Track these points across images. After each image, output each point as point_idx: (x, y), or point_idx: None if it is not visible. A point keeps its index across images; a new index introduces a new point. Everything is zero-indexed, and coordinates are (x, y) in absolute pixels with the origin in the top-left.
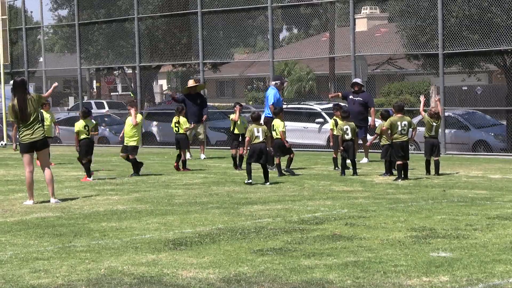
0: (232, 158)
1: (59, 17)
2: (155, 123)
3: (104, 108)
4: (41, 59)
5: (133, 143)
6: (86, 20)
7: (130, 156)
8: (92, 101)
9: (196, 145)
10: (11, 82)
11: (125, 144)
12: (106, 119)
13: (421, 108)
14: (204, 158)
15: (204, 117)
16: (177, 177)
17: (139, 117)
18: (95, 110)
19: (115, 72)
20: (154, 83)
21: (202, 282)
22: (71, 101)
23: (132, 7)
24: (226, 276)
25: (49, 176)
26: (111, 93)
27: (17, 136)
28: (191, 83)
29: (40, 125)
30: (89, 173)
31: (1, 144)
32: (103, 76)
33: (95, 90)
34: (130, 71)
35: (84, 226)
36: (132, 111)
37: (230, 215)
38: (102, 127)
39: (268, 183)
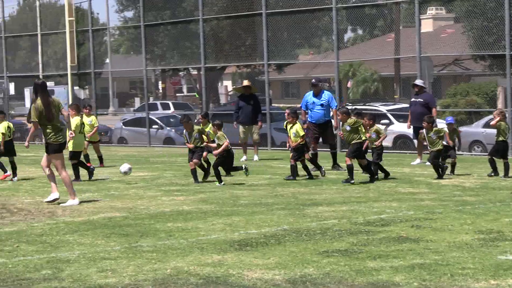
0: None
1: (125, 19)
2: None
3: (170, 109)
4: (107, 60)
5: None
6: (152, 22)
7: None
8: (158, 102)
9: (252, 146)
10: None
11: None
12: (171, 120)
13: (493, 122)
14: (257, 160)
15: (259, 124)
16: (242, 178)
17: None
18: (160, 111)
19: (180, 73)
20: (219, 84)
21: (268, 283)
22: (137, 102)
23: (197, 8)
24: (291, 277)
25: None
26: (177, 94)
27: (45, 137)
28: (245, 83)
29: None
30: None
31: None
32: (169, 77)
33: (160, 91)
34: (195, 72)
35: (150, 226)
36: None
37: (295, 216)
38: (167, 128)
39: None
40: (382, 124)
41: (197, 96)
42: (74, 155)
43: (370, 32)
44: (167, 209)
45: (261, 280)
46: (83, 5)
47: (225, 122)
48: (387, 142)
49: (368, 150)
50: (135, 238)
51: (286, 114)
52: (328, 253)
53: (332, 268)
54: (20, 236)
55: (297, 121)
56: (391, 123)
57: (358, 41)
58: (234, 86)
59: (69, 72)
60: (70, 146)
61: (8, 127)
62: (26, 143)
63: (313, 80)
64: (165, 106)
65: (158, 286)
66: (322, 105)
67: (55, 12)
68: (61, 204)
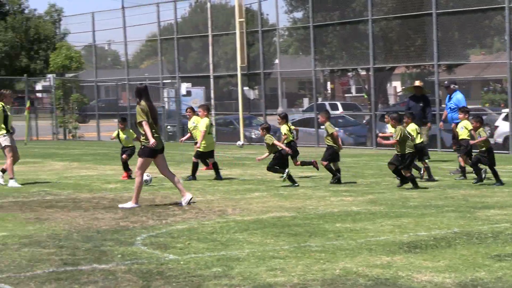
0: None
1: (294, 19)
2: None
3: (338, 109)
4: (277, 61)
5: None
6: (321, 22)
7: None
8: (326, 103)
9: None
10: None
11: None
12: (340, 120)
13: None
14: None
15: (428, 125)
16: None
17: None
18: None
19: (349, 73)
20: (388, 84)
21: (438, 286)
22: (306, 102)
23: (366, 8)
24: (462, 281)
25: (175, 179)
26: (345, 95)
27: (142, 140)
28: (416, 83)
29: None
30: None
31: (238, 145)
32: (337, 77)
33: (329, 91)
34: (364, 72)
35: (319, 226)
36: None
37: (466, 219)
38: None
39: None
40: None
41: (365, 96)
42: (203, 155)
43: None
44: (336, 210)
45: (431, 283)
46: (253, 6)
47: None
48: None
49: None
50: (304, 238)
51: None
52: (500, 257)
53: (504, 273)
54: (191, 233)
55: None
56: None
57: None
58: (404, 87)
59: (239, 72)
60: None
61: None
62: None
63: (446, 82)
64: (334, 107)
65: (327, 286)
66: (450, 108)
67: (226, 13)
68: (120, 206)
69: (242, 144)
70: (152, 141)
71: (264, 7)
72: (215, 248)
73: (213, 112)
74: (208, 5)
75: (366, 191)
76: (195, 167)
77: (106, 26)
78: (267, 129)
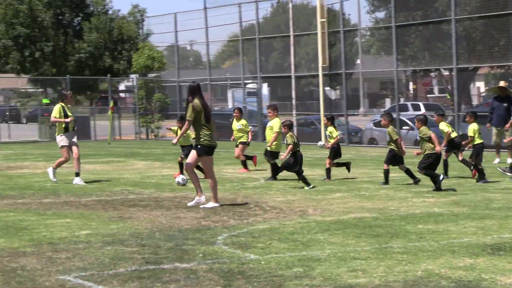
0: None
1: (376, 19)
2: None
3: (420, 109)
4: (358, 61)
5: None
6: (403, 22)
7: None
8: (409, 103)
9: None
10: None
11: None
12: None
13: None
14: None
15: (509, 123)
16: (498, 179)
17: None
18: (411, 112)
19: (431, 74)
20: (471, 85)
21: None
22: (388, 102)
23: (450, 8)
24: None
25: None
26: (427, 95)
27: (198, 138)
28: (501, 83)
29: None
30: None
31: (320, 145)
32: (420, 78)
33: (411, 91)
34: (446, 73)
35: (401, 227)
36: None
37: None
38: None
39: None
40: None
41: (448, 97)
42: (273, 154)
43: None
44: (418, 211)
45: None
46: (335, 6)
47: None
48: None
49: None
50: (386, 239)
51: None
52: None
53: None
54: (272, 233)
55: None
56: None
57: None
58: (487, 87)
59: (320, 73)
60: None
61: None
62: (175, 141)
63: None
64: (416, 107)
65: (409, 287)
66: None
67: (307, 13)
68: (201, 206)
69: (323, 144)
70: (175, 140)
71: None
72: (296, 248)
73: (294, 112)
74: (290, 5)
75: (449, 192)
76: (275, 168)
77: (188, 27)
78: (289, 126)
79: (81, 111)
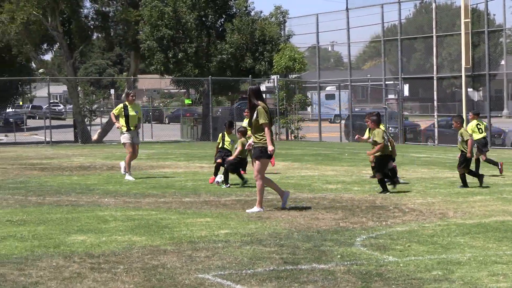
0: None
1: None
2: None
3: None
4: (503, 62)
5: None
6: None
7: None
8: None
9: None
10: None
11: None
12: None
13: None
14: None
15: None
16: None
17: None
18: None
19: None
20: None
21: None
22: None
23: None
24: None
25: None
26: None
27: (259, 141)
28: None
29: None
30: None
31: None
32: None
33: None
34: None
35: None
36: None
37: None
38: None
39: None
40: None
41: None
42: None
43: None
44: None
45: None
46: (479, 6)
47: None
48: None
49: None
50: None
51: None
52: None
53: None
54: (411, 236)
55: None
56: None
57: None
58: None
59: (463, 74)
60: None
61: None
62: (270, 148)
63: None
64: None
65: None
66: None
67: (451, 13)
68: (247, 211)
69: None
70: (270, 147)
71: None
72: (435, 251)
73: (435, 113)
74: (433, 5)
75: None
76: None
77: (330, 28)
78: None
79: (223, 111)
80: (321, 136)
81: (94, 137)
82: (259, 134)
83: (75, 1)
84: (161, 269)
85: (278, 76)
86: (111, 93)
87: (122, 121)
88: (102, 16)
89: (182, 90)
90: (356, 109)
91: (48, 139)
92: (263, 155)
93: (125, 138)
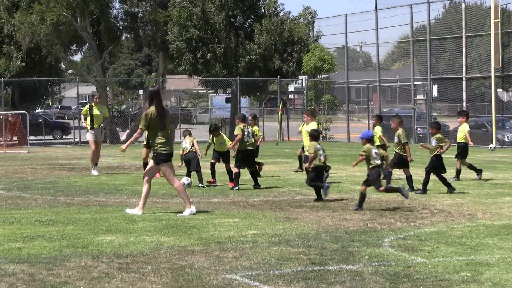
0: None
1: None
2: None
3: None
4: None
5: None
6: None
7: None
8: None
9: None
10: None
11: None
12: None
13: None
14: None
15: None
16: None
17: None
18: None
19: None
20: None
21: None
22: None
23: None
24: None
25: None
26: None
27: (154, 146)
28: None
29: None
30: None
31: (490, 148)
32: None
33: None
34: None
35: None
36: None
37: None
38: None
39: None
40: None
41: None
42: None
43: None
44: None
45: None
46: (510, 6)
47: None
48: None
49: None
50: None
51: None
52: None
53: None
54: (440, 237)
55: None
56: None
57: None
58: None
59: (492, 74)
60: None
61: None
62: (124, 146)
63: None
64: None
65: None
66: None
67: (480, 14)
68: (178, 215)
69: (494, 147)
70: (124, 146)
71: None
72: (463, 252)
73: None
74: (463, 6)
75: None
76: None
77: (359, 28)
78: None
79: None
80: (349, 136)
81: (123, 137)
82: (154, 140)
83: (104, 1)
84: (188, 269)
85: (306, 76)
86: (140, 93)
87: (88, 120)
88: (131, 17)
89: (210, 91)
90: (384, 110)
91: (77, 139)
92: (158, 160)
93: (89, 135)
